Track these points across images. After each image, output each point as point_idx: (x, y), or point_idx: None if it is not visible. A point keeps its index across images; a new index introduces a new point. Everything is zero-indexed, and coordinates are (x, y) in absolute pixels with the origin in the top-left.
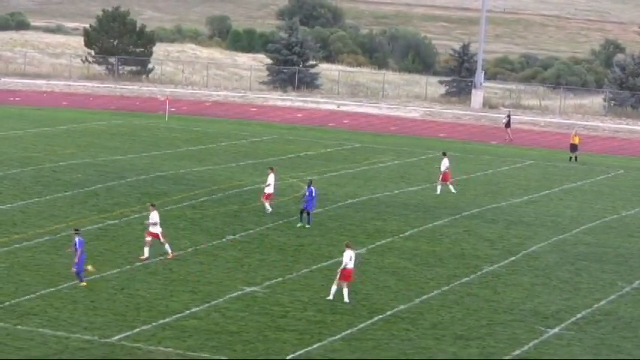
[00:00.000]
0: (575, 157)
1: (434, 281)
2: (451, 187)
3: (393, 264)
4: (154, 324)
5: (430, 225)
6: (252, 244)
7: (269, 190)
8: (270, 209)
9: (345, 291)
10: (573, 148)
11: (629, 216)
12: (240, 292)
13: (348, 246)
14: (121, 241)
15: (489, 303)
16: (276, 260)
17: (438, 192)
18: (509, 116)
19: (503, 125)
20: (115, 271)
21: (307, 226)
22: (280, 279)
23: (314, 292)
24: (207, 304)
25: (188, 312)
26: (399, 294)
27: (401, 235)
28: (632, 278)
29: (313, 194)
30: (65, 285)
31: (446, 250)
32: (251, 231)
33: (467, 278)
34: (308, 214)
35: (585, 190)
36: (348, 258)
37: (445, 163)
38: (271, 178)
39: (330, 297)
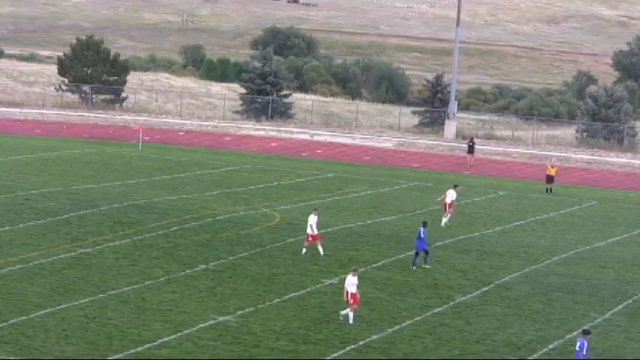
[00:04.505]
0: (551, 189)
1: (406, 311)
2: (447, 217)
3: (366, 294)
4: (125, 353)
5: (403, 255)
6: (225, 274)
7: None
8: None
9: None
10: (549, 179)
11: (601, 247)
12: (212, 322)
13: (355, 270)
14: (93, 269)
15: (462, 333)
16: (248, 290)
17: (443, 223)
18: (473, 143)
19: (467, 151)
20: (87, 300)
21: (426, 266)
22: (253, 308)
23: (286, 321)
24: (179, 334)
25: (160, 341)
26: (372, 324)
27: (374, 265)
28: (604, 309)
29: (420, 235)
30: (37, 313)
31: (418, 281)
32: (224, 260)
33: (439, 308)
34: (416, 254)
35: (558, 221)
36: (349, 282)
37: (452, 195)
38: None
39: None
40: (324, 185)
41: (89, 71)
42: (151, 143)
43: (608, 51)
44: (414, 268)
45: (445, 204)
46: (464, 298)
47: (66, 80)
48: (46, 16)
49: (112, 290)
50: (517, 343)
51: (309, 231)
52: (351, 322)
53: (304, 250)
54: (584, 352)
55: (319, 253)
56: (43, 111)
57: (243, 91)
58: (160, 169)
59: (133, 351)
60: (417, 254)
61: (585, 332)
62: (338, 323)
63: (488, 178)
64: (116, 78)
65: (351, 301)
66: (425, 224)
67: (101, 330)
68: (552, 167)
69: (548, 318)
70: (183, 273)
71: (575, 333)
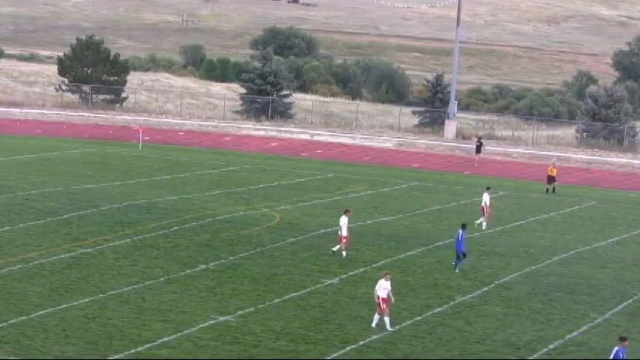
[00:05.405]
0: (553, 189)
1: (406, 311)
2: (484, 222)
3: (366, 294)
4: (126, 353)
5: (403, 255)
6: (225, 274)
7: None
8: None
9: (387, 319)
10: (550, 179)
11: (601, 247)
12: (212, 322)
13: (387, 274)
14: (93, 269)
15: (462, 333)
16: (248, 290)
17: (483, 226)
18: (480, 143)
19: (474, 151)
20: (87, 300)
21: (456, 271)
22: (253, 308)
23: (286, 321)
24: (179, 334)
25: (160, 341)
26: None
27: (374, 265)
28: (604, 309)
29: (460, 237)
30: (37, 313)
31: (419, 281)
32: (224, 260)
33: (439, 308)
34: (458, 257)
35: (558, 221)
36: (381, 286)
37: (485, 198)
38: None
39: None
40: (324, 185)
41: (89, 71)
42: (151, 143)
43: (608, 51)
44: (457, 271)
45: (482, 208)
46: (464, 298)
47: (66, 80)
48: (46, 16)
49: (112, 290)
50: (517, 343)
51: (340, 232)
52: (388, 327)
53: (344, 254)
54: (611, 357)
55: (331, 251)
56: (43, 111)
57: (243, 91)
58: (160, 169)
59: (133, 351)
60: (458, 257)
61: (621, 339)
62: (338, 323)
63: (489, 178)
64: (116, 78)
65: (384, 305)
66: (464, 227)
67: (101, 330)
68: (553, 167)
69: (548, 318)
70: (183, 273)
71: (575, 333)
